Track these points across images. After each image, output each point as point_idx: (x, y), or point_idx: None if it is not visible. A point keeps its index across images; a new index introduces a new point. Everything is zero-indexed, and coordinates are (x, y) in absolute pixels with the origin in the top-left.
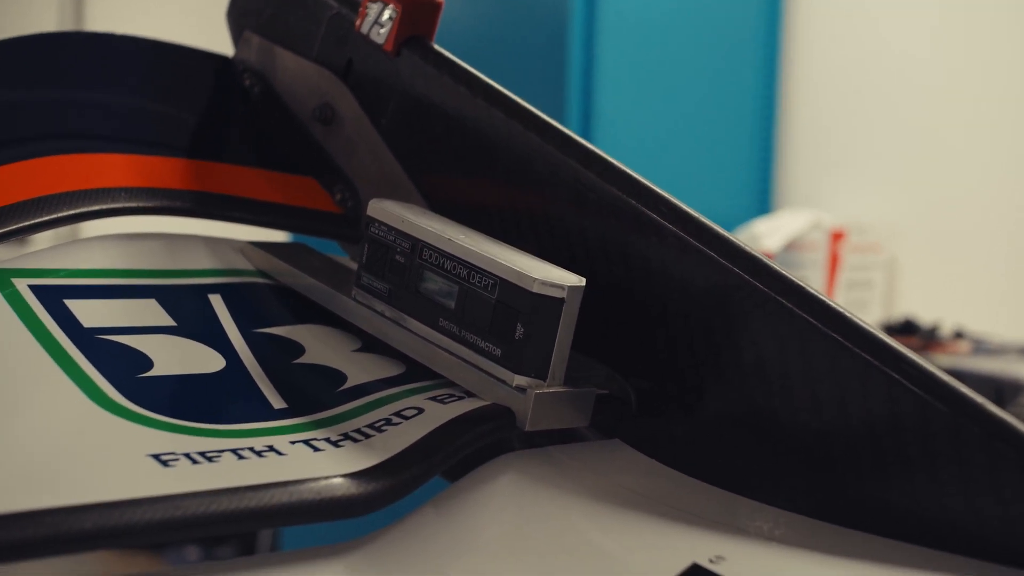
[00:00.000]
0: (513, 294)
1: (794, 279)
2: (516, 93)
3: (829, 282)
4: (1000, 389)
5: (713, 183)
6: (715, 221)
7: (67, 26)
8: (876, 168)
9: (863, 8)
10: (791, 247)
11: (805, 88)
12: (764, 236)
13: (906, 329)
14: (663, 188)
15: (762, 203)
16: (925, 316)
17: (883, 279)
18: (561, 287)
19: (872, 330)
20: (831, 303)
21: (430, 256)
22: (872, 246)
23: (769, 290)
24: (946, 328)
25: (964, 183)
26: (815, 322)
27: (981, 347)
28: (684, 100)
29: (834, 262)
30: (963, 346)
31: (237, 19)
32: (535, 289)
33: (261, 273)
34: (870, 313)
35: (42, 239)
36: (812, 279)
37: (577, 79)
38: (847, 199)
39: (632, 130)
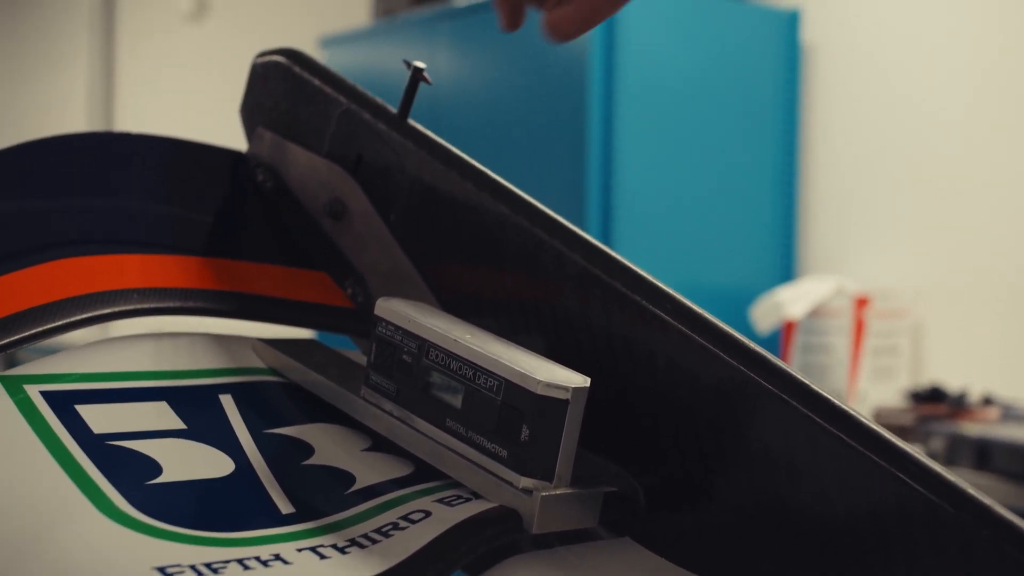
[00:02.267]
0: (518, 395)
1: (796, 375)
2: (537, 165)
3: (855, 349)
4: None
5: (736, 251)
6: (738, 289)
7: (96, 106)
8: (899, 233)
9: (882, 72)
10: (815, 314)
11: (826, 154)
12: (788, 303)
13: (934, 396)
14: (687, 259)
15: (785, 270)
16: (953, 382)
17: (909, 345)
18: (565, 388)
19: (875, 427)
20: (834, 400)
21: (436, 356)
22: (897, 311)
23: (772, 386)
24: (974, 394)
25: (987, 246)
26: (818, 419)
27: (1011, 413)
28: (705, 168)
29: (859, 328)
30: (992, 412)
31: (250, 115)
32: (539, 391)
33: (272, 371)
34: (897, 380)
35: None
36: (838, 346)
37: (597, 150)
38: (871, 264)
39: (653, 200)
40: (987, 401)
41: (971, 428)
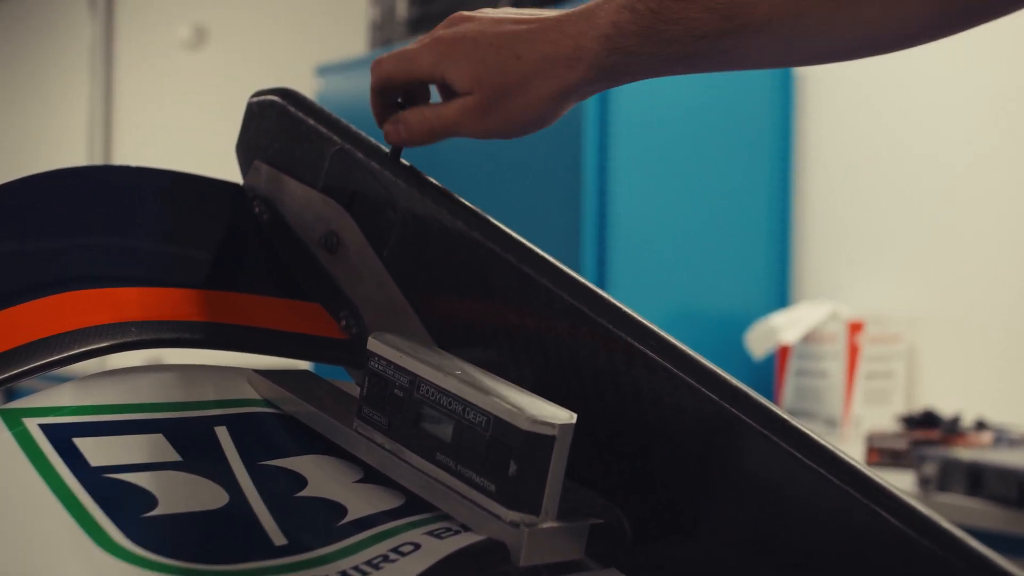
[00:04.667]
0: (506, 431)
1: (776, 410)
2: (532, 194)
3: (849, 373)
4: (1023, 483)
5: (731, 278)
6: (733, 315)
7: (96, 133)
8: (892, 259)
9: (874, 99)
10: (810, 339)
11: (819, 181)
12: (782, 329)
13: (927, 421)
14: (682, 286)
15: (780, 296)
16: (946, 407)
17: (903, 369)
18: (552, 425)
19: (852, 462)
20: (811, 434)
21: (427, 392)
22: (891, 337)
23: (752, 421)
24: (967, 419)
25: (981, 271)
26: (797, 453)
27: (1003, 437)
28: (699, 196)
29: (853, 353)
30: (985, 437)
31: (246, 152)
32: (526, 427)
33: (267, 402)
34: (891, 404)
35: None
36: (832, 371)
37: (592, 179)
38: (865, 290)
39: (649, 227)
40: (980, 426)
41: (964, 453)
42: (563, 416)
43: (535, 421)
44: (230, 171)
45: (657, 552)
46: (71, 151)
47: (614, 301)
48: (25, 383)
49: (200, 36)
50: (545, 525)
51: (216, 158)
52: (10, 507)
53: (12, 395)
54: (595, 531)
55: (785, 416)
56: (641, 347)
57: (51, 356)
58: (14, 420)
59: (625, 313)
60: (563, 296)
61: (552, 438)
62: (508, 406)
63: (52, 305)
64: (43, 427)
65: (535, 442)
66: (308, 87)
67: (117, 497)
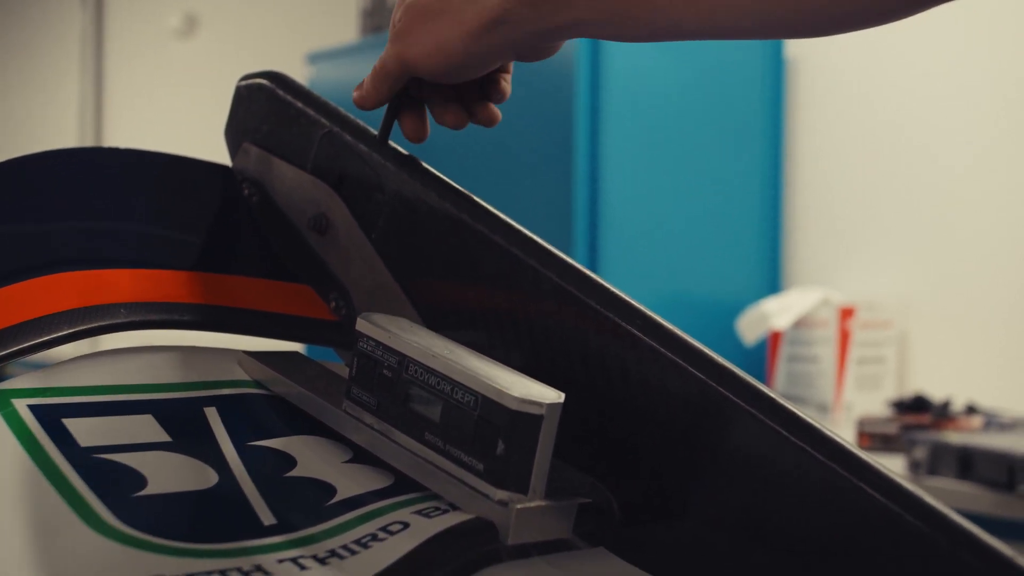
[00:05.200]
0: (494, 410)
1: (763, 389)
2: (524, 180)
3: (840, 359)
4: (1012, 466)
5: (722, 263)
6: (725, 301)
7: (87, 121)
8: (884, 244)
9: (865, 85)
10: (800, 325)
11: (811, 166)
12: (774, 315)
13: (917, 405)
14: (673, 272)
15: (771, 282)
16: (937, 392)
17: (894, 355)
18: (540, 404)
19: (838, 439)
20: (799, 413)
21: (416, 372)
22: (882, 322)
23: (739, 400)
24: (958, 403)
25: (973, 257)
26: (783, 431)
27: (993, 421)
28: (691, 182)
29: (844, 339)
30: (975, 421)
31: (234, 136)
32: (514, 407)
33: (256, 383)
34: (883, 389)
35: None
36: (823, 356)
37: (583, 164)
38: (856, 276)
39: (640, 213)
40: (970, 410)
41: (954, 437)
42: (551, 396)
43: (523, 400)
44: (221, 159)
45: (645, 531)
46: (62, 140)
47: (602, 282)
48: (14, 364)
49: (191, 24)
50: (533, 504)
51: (207, 146)
52: (0, 486)
53: (1, 377)
54: (583, 510)
55: (772, 395)
56: (628, 327)
57: (40, 337)
58: (3, 401)
59: (612, 293)
60: (551, 277)
61: (540, 417)
62: (496, 386)
63: (41, 286)
64: (32, 407)
65: (523, 421)
66: (300, 74)
67: (106, 477)
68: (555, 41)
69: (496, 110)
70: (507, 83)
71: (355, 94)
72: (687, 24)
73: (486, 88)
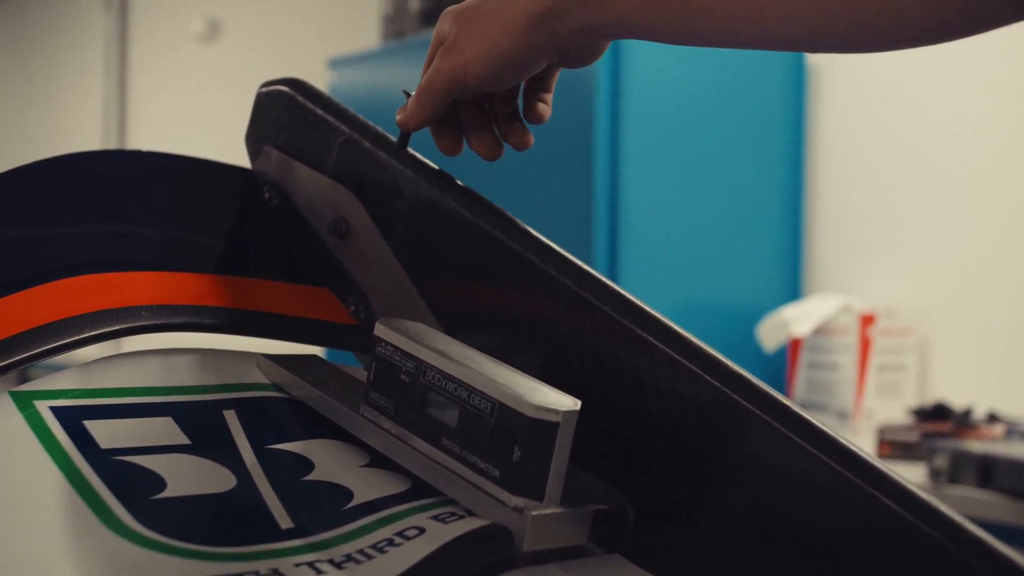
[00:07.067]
0: (510, 417)
1: (777, 396)
2: (544, 186)
3: (861, 366)
4: None
5: (743, 270)
6: (745, 308)
7: (110, 126)
8: (905, 251)
9: (886, 92)
10: (821, 332)
11: (832, 173)
12: (794, 321)
13: (938, 413)
14: (694, 278)
15: (792, 288)
16: (958, 399)
17: (915, 362)
18: (556, 412)
19: (851, 447)
20: (813, 420)
21: (433, 377)
22: (903, 329)
23: (753, 407)
24: (979, 411)
25: (994, 264)
26: (796, 438)
27: (1015, 430)
28: (711, 188)
29: (865, 346)
30: (997, 430)
31: (255, 142)
32: (531, 414)
33: (275, 387)
34: (903, 397)
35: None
36: (844, 364)
37: (603, 171)
38: (877, 283)
39: (660, 220)
40: (992, 418)
41: (975, 445)
42: (567, 403)
43: (539, 408)
44: (242, 164)
45: (660, 537)
46: (85, 144)
47: (618, 289)
48: (36, 366)
49: (213, 29)
50: (548, 510)
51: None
52: (21, 488)
53: (24, 379)
54: (598, 517)
55: (786, 402)
56: (644, 334)
57: (62, 339)
58: (25, 402)
59: (628, 300)
60: (568, 284)
61: (556, 424)
62: (513, 392)
63: (63, 289)
64: (54, 409)
65: (539, 428)
66: (321, 80)
67: (126, 479)
68: (601, 40)
69: (529, 135)
70: (547, 105)
71: (399, 116)
72: (737, 29)
73: (525, 106)
